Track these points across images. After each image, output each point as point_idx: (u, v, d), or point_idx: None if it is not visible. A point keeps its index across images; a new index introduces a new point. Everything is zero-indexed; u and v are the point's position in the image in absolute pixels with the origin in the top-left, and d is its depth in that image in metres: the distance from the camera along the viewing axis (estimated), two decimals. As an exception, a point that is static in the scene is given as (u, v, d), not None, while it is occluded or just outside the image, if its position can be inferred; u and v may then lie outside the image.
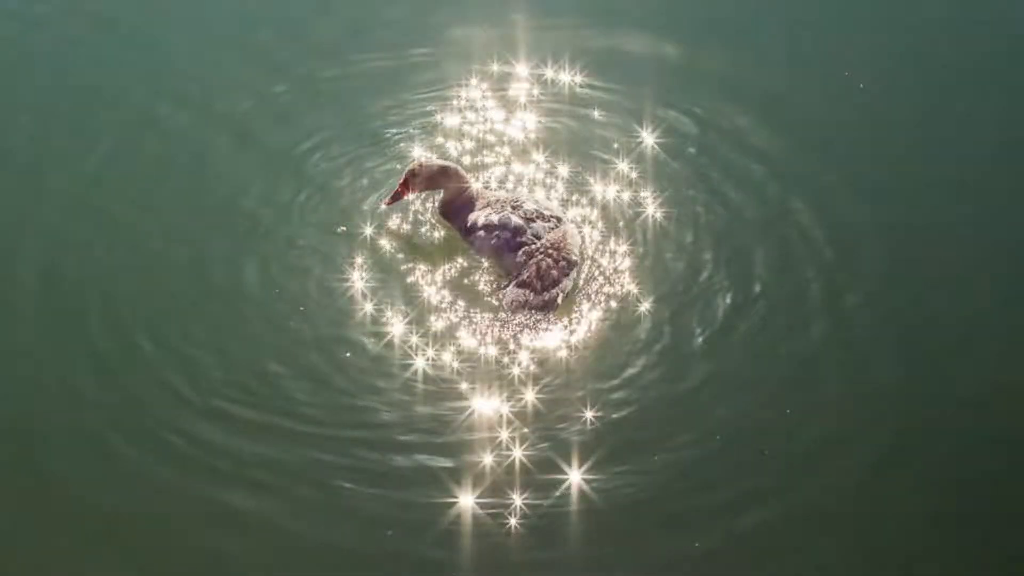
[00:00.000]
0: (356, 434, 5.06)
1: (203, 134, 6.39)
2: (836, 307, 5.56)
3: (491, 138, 6.33)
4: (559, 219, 5.68)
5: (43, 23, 7.02)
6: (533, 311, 5.44)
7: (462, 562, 4.73)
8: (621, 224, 5.89)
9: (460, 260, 5.73)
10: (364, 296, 5.58)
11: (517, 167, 6.18)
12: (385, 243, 5.81)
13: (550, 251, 5.54)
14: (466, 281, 5.64)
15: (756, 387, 5.26)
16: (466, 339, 5.38)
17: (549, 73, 6.69)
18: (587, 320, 5.46)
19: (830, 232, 5.87)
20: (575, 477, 4.93)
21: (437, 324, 5.43)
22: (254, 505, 4.84)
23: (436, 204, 5.94)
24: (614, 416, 5.12)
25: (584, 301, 5.54)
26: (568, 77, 6.67)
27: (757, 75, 6.72)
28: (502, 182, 6.13)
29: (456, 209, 5.84)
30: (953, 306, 5.59)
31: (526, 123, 6.41)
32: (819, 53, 6.98)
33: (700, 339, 5.41)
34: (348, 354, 5.34)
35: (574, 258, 5.57)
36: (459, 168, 5.86)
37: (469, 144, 6.30)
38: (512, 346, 5.35)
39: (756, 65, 6.79)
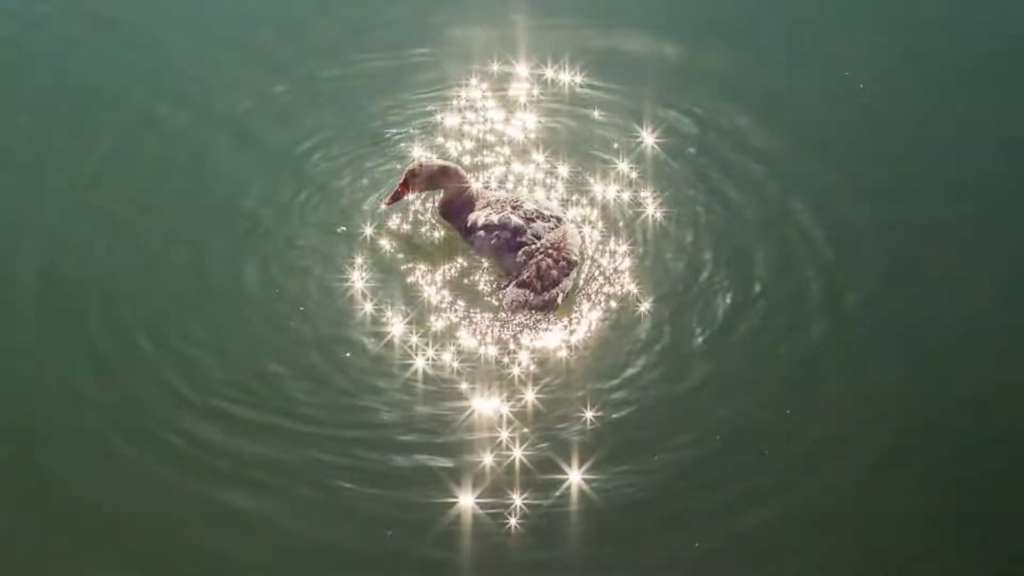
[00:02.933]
0: (356, 434, 5.06)
1: (203, 134, 6.39)
2: (836, 307, 5.56)
3: (491, 138, 6.33)
4: (559, 219, 5.68)
5: (43, 23, 7.02)
6: (533, 311, 5.44)
7: (462, 562, 4.73)
8: (621, 224, 5.89)
9: (460, 260, 5.73)
10: (364, 296, 5.58)
11: (517, 167, 6.18)
12: (385, 243, 5.81)
13: (550, 251, 5.54)
14: (466, 281, 5.64)
15: (756, 387, 5.26)
16: (466, 339, 5.38)
17: (549, 73, 6.69)
18: (587, 320, 5.46)
19: (830, 232, 5.87)
20: (575, 477, 4.93)
21: (437, 324, 5.43)
22: (254, 505, 4.84)
23: (436, 204, 5.94)
24: (614, 416, 5.12)
25: (584, 301, 5.54)
26: (568, 77, 6.67)
27: (757, 75, 6.72)
28: (502, 182, 6.13)
29: (456, 209, 5.84)
30: (953, 306, 5.59)
31: (526, 123, 6.41)
32: (819, 53, 6.98)
33: (700, 339, 5.41)
34: (348, 354, 5.34)
35: (574, 258, 5.57)
36: (459, 168, 5.86)
37: (469, 144, 6.30)
38: (512, 346, 5.35)
39: (756, 65, 6.79)
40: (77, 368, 5.29)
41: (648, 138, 6.33)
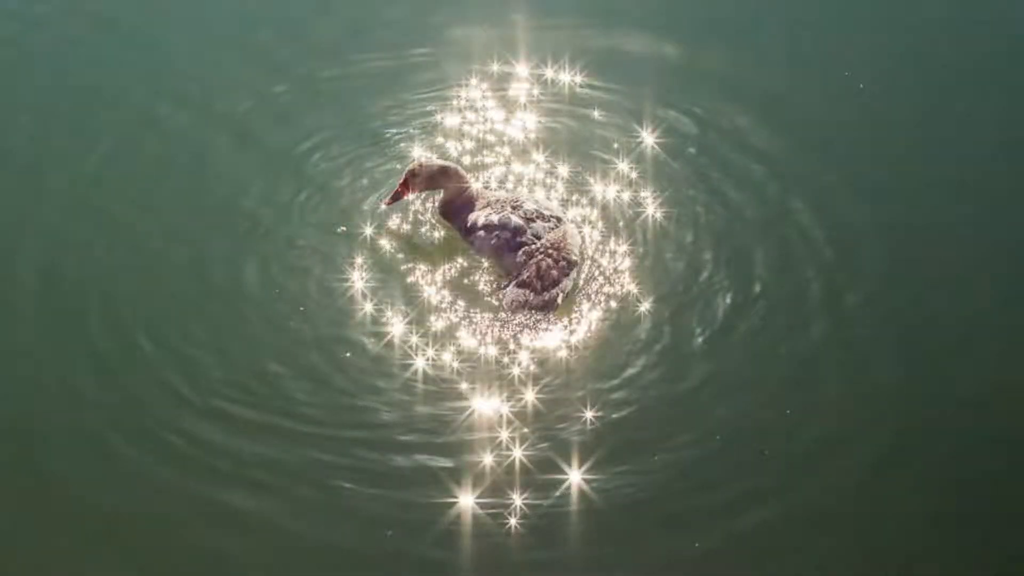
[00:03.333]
0: (356, 434, 5.06)
1: (203, 134, 6.39)
2: (836, 307, 5.56)
3: (491, 138, 6.34)
4: (559, 219, 5.68)
5: (43, 23, 7.03)
6: (533, 311, 5.44)
7: (462, 562, 4.73)
8: (621, 224, 5.89)
9: (460, 260, 5.73)
10: (364, 296, 5.58)
11: (517, 167, 6.18)
12: (385, 243, 5.81)
13: (550, 251, 5.54)
14: (466, 281, 5.64)
15: (756, 387, 5.26)
16: (466, 339, 5.38)
17: (549, 73, 6.69)
18: (587, 320, 5.46)
19: (830, 232, 5.87)
20: (575, 477, 4.93)
21: (437, 324, 5.43)
22: (254, 505, 4.84)
23: (436, 204, 5.94)
24: (614, 416, 5.12)
25: (584, 301, 5.54)
26: (568, 77, 6.67)
27: (757, 75, 6.72)
28: (502, 182, 6.13)
29: (456, 209, 5.84)
30: (953, 306, 5.59)
31: (526, 123, 6.41)
32: (819, 53, 6.98)
33: (700, 339, 5.41)
34: (348, 354, 5.34)
35: (574, 258, 5.57)
36: (459, 168, 5.86)
37: (469, 144, 6.30)
38: (512, 346, 5.35)
39: (756, 65, 6.79)
40: (77, 368, 5.29)
41: (648, 138, 6.33)
